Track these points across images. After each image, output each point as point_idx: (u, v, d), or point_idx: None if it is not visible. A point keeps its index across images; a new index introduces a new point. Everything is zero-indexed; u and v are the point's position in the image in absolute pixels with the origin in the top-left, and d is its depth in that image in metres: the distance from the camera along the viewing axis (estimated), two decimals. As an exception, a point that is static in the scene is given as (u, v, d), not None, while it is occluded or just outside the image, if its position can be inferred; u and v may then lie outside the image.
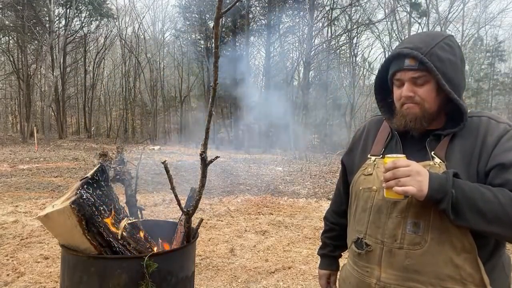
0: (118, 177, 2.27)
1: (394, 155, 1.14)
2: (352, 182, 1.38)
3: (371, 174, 1.30)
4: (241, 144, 22.09)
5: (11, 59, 27.31)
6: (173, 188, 1.85)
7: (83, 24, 30.24)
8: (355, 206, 1.35)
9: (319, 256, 1.69)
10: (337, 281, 1.55)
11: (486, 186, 1.10)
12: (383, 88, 1.37)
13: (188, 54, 29.62)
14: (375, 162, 1.31)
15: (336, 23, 25.37)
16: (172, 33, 32.18)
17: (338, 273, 1.57)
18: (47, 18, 24.77)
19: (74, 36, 30.00)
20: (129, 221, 1.98)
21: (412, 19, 24.06)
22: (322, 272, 1.64)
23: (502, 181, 1.10)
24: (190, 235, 2.00)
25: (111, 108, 35.22)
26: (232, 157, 16.30)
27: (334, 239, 1.63)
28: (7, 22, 25.86)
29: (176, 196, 1.86)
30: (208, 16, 27.18)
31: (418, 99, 1.21)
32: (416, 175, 1.07)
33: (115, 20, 30.60)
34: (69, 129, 33.75)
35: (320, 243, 1.70)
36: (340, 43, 26.14)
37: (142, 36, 31.01)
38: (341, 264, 1.60)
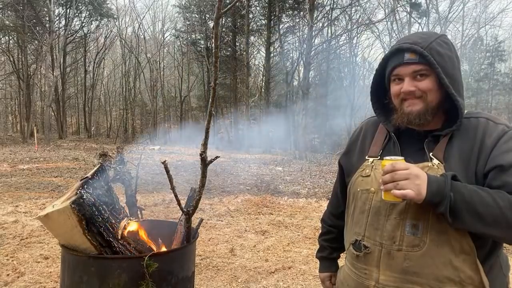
0: (118, 177, 2.27)
1: (393, 158, 1.13)
2: (350, 183, 1.37)
3: (369, 176, 1.29)
4: (241, 144, 22.10)
5: (11, 59, 27.31)
6: (173, 188, 1.85)
7: (83, 24, 30.27)
8: (353, 208, 1.34)
9: (317, 259, 1.69)
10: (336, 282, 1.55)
11: (485, 188, 1.10)
12: (379, 89, 1.36)
13: (188, 54, 29.63)
14: (373, 164, 1.31)
15: (336, 23, 25.38)
16: (172, 33, 32.23)
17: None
18: (47, 18, 24.77)
19: (74, 36, 30.01)
20: (129, 221, 1.99)
21: (412, 19, 24.06)
22: (324, 275, 1.64)
23: (501, 183, 1.09)
24: (190, 235, 2.01)
25: (111, 108, 35.23)
26: (232, 157, 16.30)
27: (331, 242, 1.62)
28: (7, 22, 25.86)
29: (176, 196, 1.86)
30: (208, 16, 27.20)
31: (419, 93, 1.20)
32: (415, 178, 1.06)
33: (115, 20, 30.63)
34: (69, 129, 33.75)
35: (318, 246, 1.69)
36: (340, 43, 26.15)
37: (142, 36, 31.05)
38: (340, 264, 1.59)
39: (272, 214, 6.60)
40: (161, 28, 34.88)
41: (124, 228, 1.91)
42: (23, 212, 6.16)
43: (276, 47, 25.76)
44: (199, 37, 28.93)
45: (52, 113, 27.30)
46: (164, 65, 31.77)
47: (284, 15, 26.01)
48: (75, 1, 27.02)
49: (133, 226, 2.01)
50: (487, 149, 1.15)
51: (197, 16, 28.45)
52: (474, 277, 1.13)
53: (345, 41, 25.83)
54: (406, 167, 1.08)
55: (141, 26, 32.74)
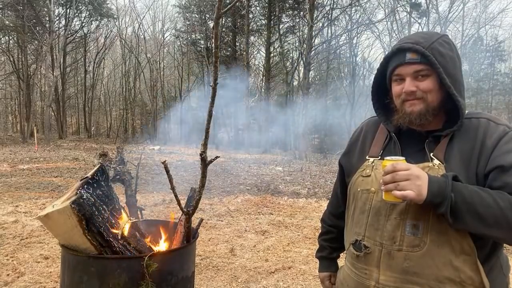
0: (118, 177, 2.27)
1: (394, 158, 1.13)
2: (350, 183, 1.37)
3: (369, 176, 1.29)
4: (241, 144, 22.10)
5: (11, 59, 27.31)
6: (173, 188, 1.85)
7: (83, 24, 30.28)
8: (353, 208, 1.34)
9: (317, 259, 1.69)
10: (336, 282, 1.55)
11: (486, 189, 1.09)
12: (380, 89, 1.36)
13: (188, 54, 29.63)
14: (373, 164, 1.30)
15: (336, 23, 25.38)
16: (172, 33, 32.24)
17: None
18: (47, 18, 24.78)
19: (74, 36, 30.02)
20: (129, 221, 1.99)
21: (412, 19, 24.06)
22: (323, 275, 1.64)
23: (502, 184, 1.09)
24: (190, 235, 2.01)
25: (111, 108, 35.23)
26: (232, 157, 16.30)
27: (331, 242, 1.62)
28: (7, 22, 25.86)
29: (176, 196, 1.86)
30: (208, 16, 27.20)
31: (420, 93, 1.20)
32: (416, 179, 1.06)
33: (115, 20, 30.64)
34: (69, 129, 33.77)
35: (318, 246, 1.69)
36: (340, 43, 26.15)
37: (142, 36, 31.04)
38: (340, 264, 1.59)
39: (272, 214, 6.60)
40: (161, 28, 34.93)
41: (124, 228, 1.91)
42: (23, 212, 6.16)
43: (276, 47, 25.76)
44: (199, 37, 28.94)
45: (52, 113, 27.30)
46: (164, 65, 31.76)
47: (284, 15, 26.03)
48: (75, 1, 27.02)
49: (132, 226, 2.00)
50: (488, 150, 1.15)
51: (197, 16, 28.46)
52: (475, 277, 1.12)
53: (345, 41, 25.83)
54: (407, 168, 1.08)
55: (141, 26, 32.79)
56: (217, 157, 1.91)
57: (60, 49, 26.10)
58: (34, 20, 24.79)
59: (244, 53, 24.08)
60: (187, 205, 2.20)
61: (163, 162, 1.81)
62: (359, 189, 1.31)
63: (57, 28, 25.92)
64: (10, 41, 28.17)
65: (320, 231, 1.69)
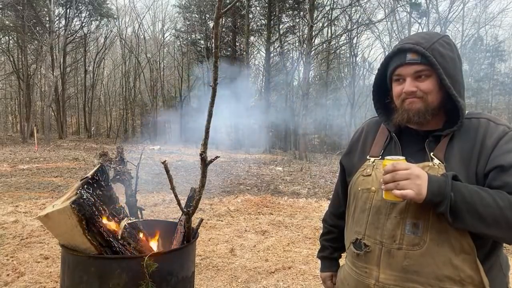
0: (118, 177, 2.27)
1: (394, 158, 1.14)
2: (351, 183, 1.38)
3: (370, 175, 1.30)
4: (241, 144, 22.10)
5: (11, 59, 27.32)
6: (173, 188, 1.85)
7: (83, 24, 30.29)
8: (354, 207, 1.35)
9: (318, 259, 1.70)
10: (336, 282, 1.55)
11: (486, 189, 1.10)
12: (381, 89, 1.37)
13: (188, 54, 29.64)
14: (374, 163, 1.31)
15: (336, 23, 25.39)
16: (172, 33, 32.25)
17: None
18: (47, 18, 24.78)
19: (74, 36, 30.03)
20: (129, 221, 1.98)
21: (412, 19, 24.06)
22: (325, 275, 1.64)
23: (501, 183, 1.10)
24: (190, 235, 2.01)
25: (111, 108, 35.26)
26: (232, 157, 16.30)
27: (333, 242, 1.63)
28: (7, 22, 25.85)
29: (176, 196, 1.86)
30: (208, 16, 27.21)
31: (420, 93, 1.21)
32: (415, 178, 1.07)
33: (115, 20, 30.65)
34: (69, 129, 33.78)
35: (319, 246, 1.70)
36: (340, 43, 26.16)
37: (142, 36, 31.06)
38: (341, 263, 1.60)
39: (272, 214, 6.60)
40: (161, 28, 34.94)
41: (124, 228, 1.90)
42: (23, 212, 6.16)
43: (276, 47, 25.77)
44: (199, 37, 28.96)
45: (52, 113, 27.30)
46: (164, 65, 31.78)
47: (284, 15, 26.06)
48: (75, 1, 27.02)
49: (132, 226, 2.00)
50: (488, 150, 1.16)
51: (197, 16, 28.48)
52: (474, 276, 1.13)
53: (345, 41, 25.85)
54: (407, 167, 1.08)
55: (141, 26, 32.82)
56: (217, 157, 1.90)
57: (60, 49, 26.09)
58: (34, 20, 24.78)
59: (244, 53, 24.08)
60: (187, 205, 2.20)
61: (163, 162, 1.80)
62: (359, 188, 1.31)
63: (57, 28, 25.92)
64: (10, 41, 28.18)
65: (321, 231, 1.70)
